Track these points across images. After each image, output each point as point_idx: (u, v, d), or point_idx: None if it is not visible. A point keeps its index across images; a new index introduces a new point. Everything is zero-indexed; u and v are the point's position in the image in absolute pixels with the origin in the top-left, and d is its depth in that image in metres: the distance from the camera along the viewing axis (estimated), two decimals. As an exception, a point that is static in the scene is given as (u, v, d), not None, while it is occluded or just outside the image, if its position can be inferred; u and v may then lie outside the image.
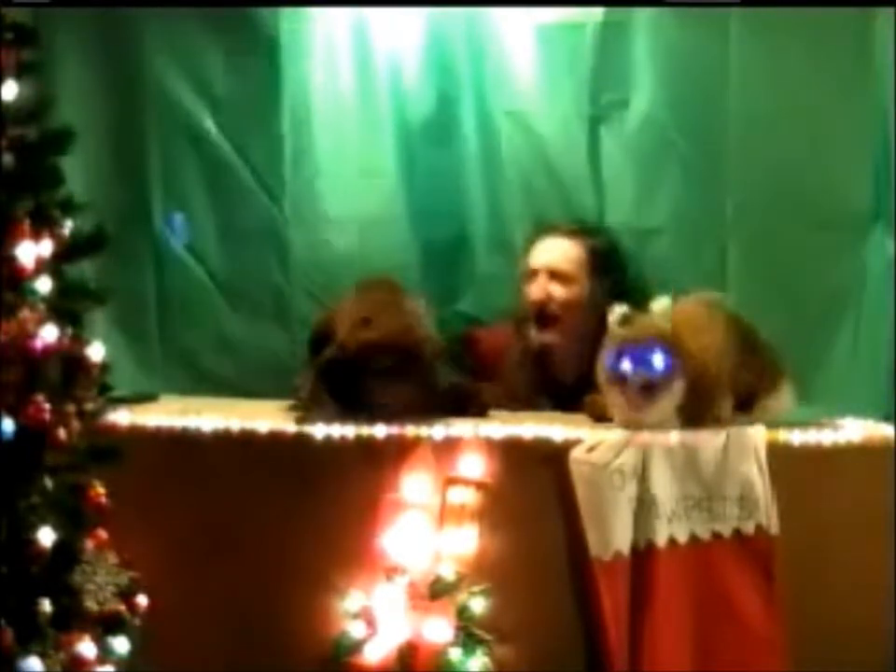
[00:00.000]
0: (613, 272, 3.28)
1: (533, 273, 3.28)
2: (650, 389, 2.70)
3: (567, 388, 3.22)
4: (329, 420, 2.73)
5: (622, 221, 3.35)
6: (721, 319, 2.83)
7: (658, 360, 2.68)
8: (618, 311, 2.75)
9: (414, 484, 2.67)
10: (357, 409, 2.76)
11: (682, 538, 2.73)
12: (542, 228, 3.33)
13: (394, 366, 2.77)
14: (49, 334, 2.25)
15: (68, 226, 2.36)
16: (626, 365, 2.70)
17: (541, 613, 2.69)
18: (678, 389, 2.71)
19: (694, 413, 2.74)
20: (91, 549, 2.37)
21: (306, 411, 2.81)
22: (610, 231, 3.33)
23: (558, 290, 3.26)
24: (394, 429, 2.71)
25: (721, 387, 2.77)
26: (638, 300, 3.02)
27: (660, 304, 2.77)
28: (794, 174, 3.19)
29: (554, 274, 3.26)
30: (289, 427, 2.75)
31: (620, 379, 2.71)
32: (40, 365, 2.24)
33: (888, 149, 3.08)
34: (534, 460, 2.70)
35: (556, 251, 3.28)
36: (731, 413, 2.78)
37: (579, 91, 3.34)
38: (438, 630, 2.63)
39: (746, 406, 2.80)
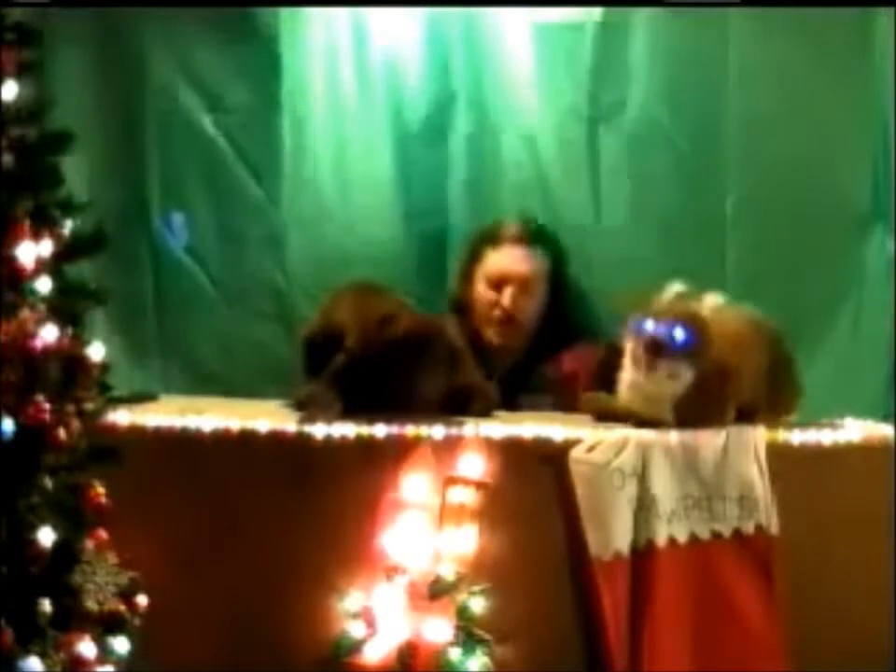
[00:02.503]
0: (563, 275, 3.35)
1: (501, 280, 3.31)
2: (657, 352, 2.71)
3: (500, 381, 3.26)
4: (332, 420, 2.73)
5: (620, 221, 3.35)
6: (760, 341, 2.85)
7: (678, 333, 2.70)
8: (675, 288, 2.78)
9: (414, 484, 2.67)
10: (374, 409, 2.76)
11: (682, 537, 2.73)
12: (504, 228, 3.35)
13: (429, 357, 2.79)
14: (48, 334, 2.24)
15: (68, 226, 2.36)
16: (648, 324, 2.73)
17: (541, 613, 2.69)
18: (684, 375, 2.72)
19: (692, 417, 2.74)
20: (91, 549, 2.36)
21: (307, 411, 2.81)
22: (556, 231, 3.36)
23: (523, 299, 3.32)
24: (394, 429, 2.71)
25: (728, 404, 2.78)
26: (579, 299, 3.25)
27: (711, 299, 2.81)
28: (794, 173, 3.20)
29: (523, 286, 3.30)
30: (289, 426, 2.74)
31: (636, 333, 2.75)
32: (40, 365, 2.24)
33: (888, 149, 3.09)
34: (534, 460, 2.70)
35: (526, 262, 3.33)
36: (731, 421, 2.79)
37: (577, 91, 3.34)
38: (438, 630, 2.63)
39: (745, 418, 2.81)
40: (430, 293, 3.41)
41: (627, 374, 2.79)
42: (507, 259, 3.33)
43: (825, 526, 2.75)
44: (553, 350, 3.29)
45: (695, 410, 2.74)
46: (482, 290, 3.34)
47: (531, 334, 3.34)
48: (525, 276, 3.32)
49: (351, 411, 2.77)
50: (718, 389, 2.75)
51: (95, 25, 3.34)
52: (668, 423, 2.74)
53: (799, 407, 2.92)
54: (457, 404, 2.87)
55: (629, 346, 2.78)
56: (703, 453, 2.73)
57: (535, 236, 3.34)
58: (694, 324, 2.73)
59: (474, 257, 3.36)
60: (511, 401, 3.11)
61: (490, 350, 3.33)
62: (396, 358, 2.77)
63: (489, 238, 3.35)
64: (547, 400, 3.19)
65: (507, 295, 3.30)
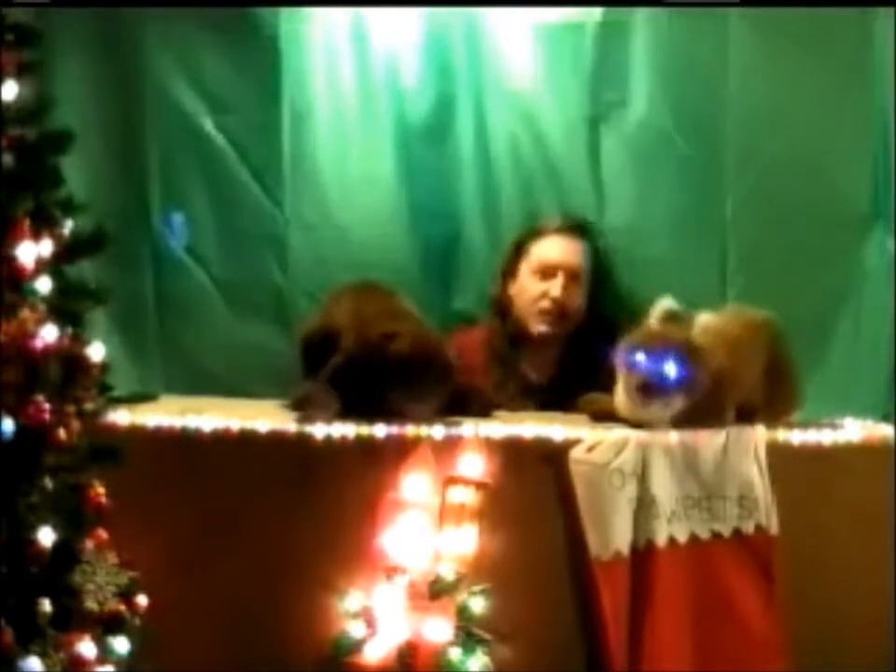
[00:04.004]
0: (609, 275, 3.33)
1: (551, 270, 3.29)
2: (648, 390, 2.70)
3: (540, 389, 3.27)
4: (329, 420, 2.73)
5: (621, 221, 3.36)
6: (759, 342, 2.85)
7: (669, 369, 2.68)
8: (664, 305, 2.75)
9: (414, 484, 2.67)
10: (368, 413, 2.76)
11: (682, 537, 2.73)
12: (549, 221, 3.35)
13: (425, 383, 2.78)
14: (48, 334, 2.24)
15: (68, 226, 2.36)
16: (639, 356, 2.70)
17: (541, 613, 2.69)
18: (676, 404, 2.70)
19: (691, 426, 2.74)
20: (91, 549, 2.36)
21: (305, 411, 2.81)
22: (604, 232, 3.36)
23: (573, 289, 3.30)
24: (394, 429, 2.71)
25: (725, 409, 2.77)
26: (623, 303, 3.20)
27: (704, 318, 2.79)
28: (794, 173, 3.20)
29: (572, 276, 3.29)
30: (289, 426, 2.74)
31: (628, 367, 2.72)
32: (40, 365, 2.24)
33: (888, 149, 3.09)
34: (534, 460, 2.70)
35: (576, 253, 3.32)
36: (731, 422, 2.79)
37: (578, 91, 3.35)
38: (438, 630, 2.63)
39: (744, 418, 2.81)
40: (433, 293, 3.41)
41: (621, 395, 2.77)
42: (556, 249, 3.32)
43: (825, 526, 2.75)
44: (596, 347, 3.18)
45: (693, 421, 2.73)
46: (528, 284, 3.32)
47: (573, 328, 3.32)
48: (575, 266, 3.30)
49: (348, 411, 2.77)
50: (715, 400, 2.74)
51: (95, 25, 3.34)
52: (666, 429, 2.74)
53: (800, 407, 2.91)
54: (456, 405, 2.86)
55: (621, 377, 2.75)
56: (703, 453, 2.73)
57: (578, 228, 3.33)
58: (686, 354, 2.69)
59: (518, 253, 3.34)
60: (566, 401, 3.06)
61: (535, 343, 3.32)
62: (394, 376, 2.76)
63: (532, 233, 3.35)
64: None
65: (557, 284, 3.28)
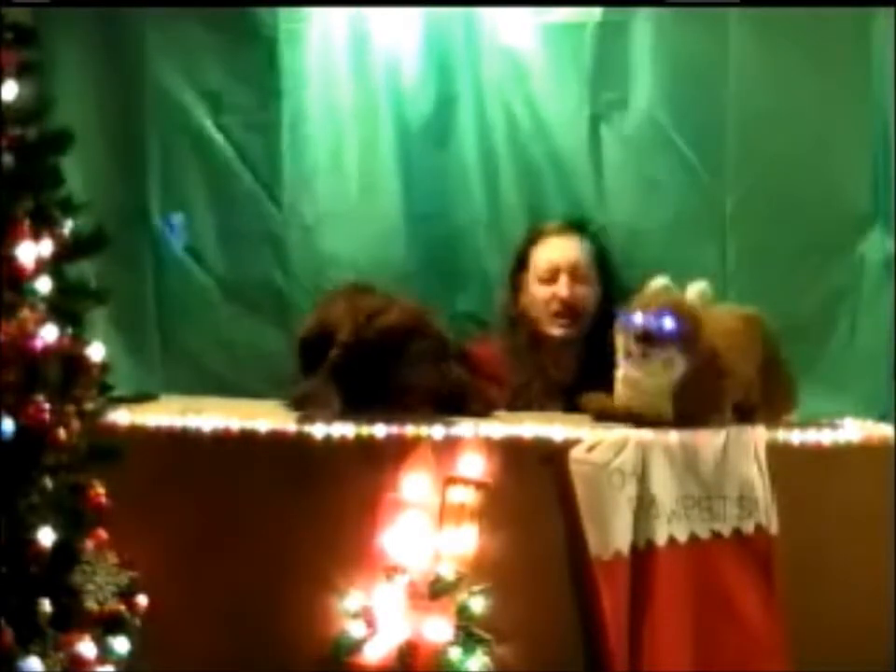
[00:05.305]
0: (613, 269, 3.32)
1: (553, 272, 3.30)
2: (649, 341, 2.70)
3: (565, 389, 3.25)
4: (331, 420, 2.73)
5: (622, 220, 3.36)
6: (752, 338, 2.85)
7: (667, 322, 2.69)
8: (659, 281, 2.78)
9: (414, 484, 2.67)
10: (371, 403, 2.77)
11: (682, 537, 2.73)
12: (546, 225, 3.35)
13: (416, 347, 2.79)
14: (48, 334, 2.25)
15: (68, 226, 2.36)
16: (637, 317, 2.72)
17: (541, 613, 2.69)
18: (678, 363, 2.71)
19: (691, 407, 2.74)
20: (91, 549, 2.36)
21: (306, 409, 2.81)
22: (605, 228, 3.36)
23: (578, 286, 3.30)
24: (394, 429, 2.71)
25: (724, 394, 2.77)
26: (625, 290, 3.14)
27: (697, 286, 2.80)
28: (793, 173, 3.20)
29: (575, 273, 3.29)
30: (289, 426, 2.74)
31: (626, 328, 2.74)
32: (40, 365, 2.24)
33: (887, 149, 3.09)
34: (534, 460, 2.70)
35: (575, 250, 3.32)
36: (730, 421, 2.79)
37: (578, 90, 3.34)
38: (438, 630, 2.63)
39: (744, 417, 2.81)
40: (436, 294, 3.40)
41: (621, 370, 2.79)
42: (555, 250, 3.32)
43: (825, 526, 2.75)
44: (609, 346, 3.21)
45: (693, 400, 2.73)
46: (536, 291, 3.32)
47: (589, 326, 3.31)
48: (575, 262, 3.30)
49: (348, 405, 2.77)
50: (714, 379, 2.75)
51: (95, 25, 3.34)
52: (667, 415, 2.73)
53: (797, 403, 2.92)
54: (456, 404, 2.86)
55: (620, 342, 2.77)
56: (703, 453, 2.73)
57: (577, 227, 3.34)
58: (682, 311, 2.72)
59: (521, 263, 3.35)
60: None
61: (556, 345, 3.31)
62: (385, 348, 2.77)
63: (531, 239, 3.35)
64: None
65: (562, 284, 3.28)
